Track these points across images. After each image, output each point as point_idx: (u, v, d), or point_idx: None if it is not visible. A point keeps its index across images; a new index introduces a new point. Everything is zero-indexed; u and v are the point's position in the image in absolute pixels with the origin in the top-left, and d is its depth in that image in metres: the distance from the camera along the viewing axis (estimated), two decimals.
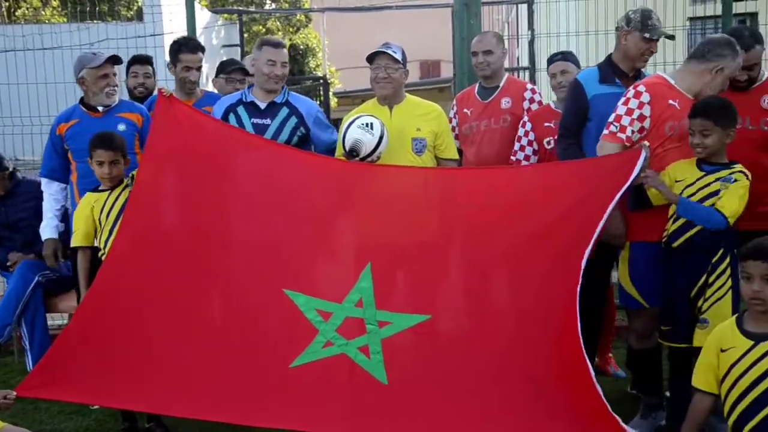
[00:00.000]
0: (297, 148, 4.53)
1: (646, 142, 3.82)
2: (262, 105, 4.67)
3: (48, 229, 4.81)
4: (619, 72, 4.42)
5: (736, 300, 3.72)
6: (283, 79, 4.67)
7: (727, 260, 3.73)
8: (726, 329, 3.24)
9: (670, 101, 3.99)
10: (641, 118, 3.99)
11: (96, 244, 4.35)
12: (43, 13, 16.63)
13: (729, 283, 3.74)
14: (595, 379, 3.29)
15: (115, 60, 4.73)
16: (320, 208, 4.10)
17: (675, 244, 3.86)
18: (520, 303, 3.81)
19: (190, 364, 3.86)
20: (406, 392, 3.69)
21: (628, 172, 3.63)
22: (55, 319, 5.59)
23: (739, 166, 3.85)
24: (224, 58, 6.34)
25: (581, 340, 3.35)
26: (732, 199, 3.76)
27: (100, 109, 4.69)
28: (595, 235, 3.52)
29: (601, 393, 3.25)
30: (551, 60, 5.04)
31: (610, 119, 4.05)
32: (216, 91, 5.53)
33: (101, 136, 4.36)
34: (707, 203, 3.79)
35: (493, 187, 4.05)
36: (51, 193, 4.79)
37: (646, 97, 3.99)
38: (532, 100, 5.05)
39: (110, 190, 4.33)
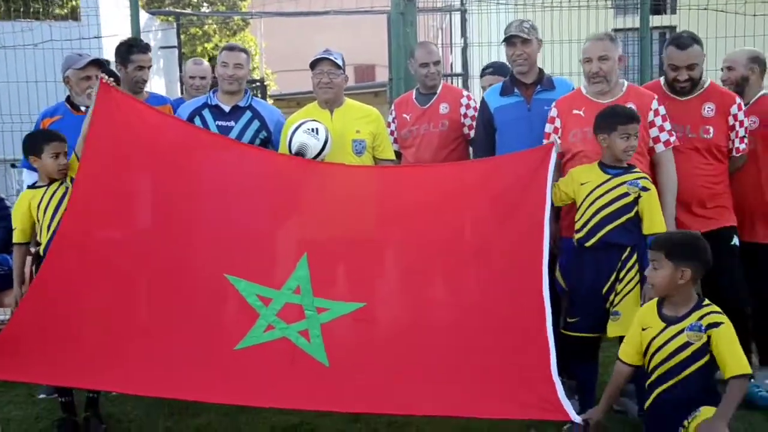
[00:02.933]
0: (241, 142, 4.73)
1: (558, 140, 4.26)
2: (226, 108, 4.92)
3: None
4: (517, 82, 4.78)
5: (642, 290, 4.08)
6: (237, 80, 4.92)
7: (635, 257, 4.07)
8: (648, 310, 3.68)
9: (575, 110, 4.40)
10: (555, 130, 4.48)
11: (38, 239, 4.42)
12: None
13: (637, 277, 4.08)
14: (552, 355, 3.63)
15: (99, 63, 4.81)
16: (262, 199, 4.28)
17: (588, 243, 4.18)
18: (455, 292, 4.09)
19: (137, 345, 3.95)
20: (347, 373, 3.87)
21: (546, 167, 4.02)
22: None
23: (638, 170, 4.20)
24: (162, 60, 6.48)
25: (545, 325, 3.72)
26: (657, 215, 4.13)
27: (83, 108, 4.79)
28: (546, 229, 3.90)
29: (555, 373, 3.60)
30: (483, 73, 5.32)
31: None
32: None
33: (51, 132, 4.49)
34: (617, 205, 4.12)
35: (427, 183, 4.34)
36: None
37: (554, 112, 4.53)
38: (468, 107, 5.36)
39: (47, 186, 4.41)
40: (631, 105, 4.34)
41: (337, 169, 4.48)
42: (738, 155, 4.70)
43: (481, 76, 5.35)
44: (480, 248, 4.10)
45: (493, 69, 5.32)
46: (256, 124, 4.96)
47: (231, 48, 5.10)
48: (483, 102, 4.96)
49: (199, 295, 4.10)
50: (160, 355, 3.92)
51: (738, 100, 4.68)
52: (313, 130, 4.54)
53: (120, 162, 4.26)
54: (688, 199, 4.54)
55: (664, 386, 3.55)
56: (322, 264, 4.11)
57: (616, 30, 9.64)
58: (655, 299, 3.70)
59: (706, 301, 3.60)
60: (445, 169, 4.71)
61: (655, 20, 9.46)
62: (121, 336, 3.98)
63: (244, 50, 5.13)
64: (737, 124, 4.65)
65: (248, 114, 4.98)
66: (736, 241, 4.65)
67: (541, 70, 4.92)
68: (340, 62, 4.84)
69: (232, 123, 4.91)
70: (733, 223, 4.68)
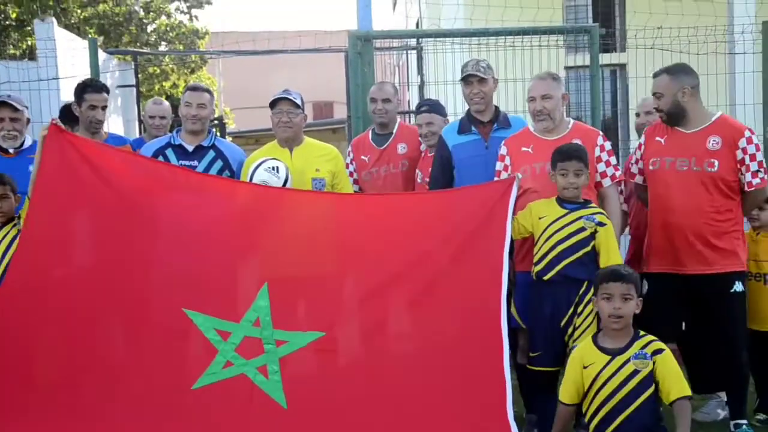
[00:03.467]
0: (198, 172, 4.73)
1: (519, 174, 4.34)
2: (190, 147, 4.96)
3: None
4: (475, 121, 4.89)
5: (599, 325, 4.13)
6: (200, 119, 4.96)
7: (592, 291, 4.12)
8: (586, 348, 3.75)
9: (523, 148, 4.54)
10: (505, 167, 4.60)
11: None
12: None
13: (594, 312, 4.14)
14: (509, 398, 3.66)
15: (6, 103, 4.81)
16: (221, 231, 4.24)
17: (546, 278, 4.27)
18: (413, 323, 4.10)
19: (91, 388, 3.91)
20: (304, 417, 3.85)
21: (507, 199, 4.09)
22: None
23: (594, 205, 4.32)
24: (120, 99, 6.51)
25: (501, 354, 3.73)
26: (614, 250, 4.22)
27: (11, 150, 4.77)
28: (505, 260, 3.95)
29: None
30: (418, 110, 5.35)
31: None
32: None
33: None
34: (574, 239, 4.21)
35: (387, 212, 4.36)
36: None
37: (504, 150, 4.64)
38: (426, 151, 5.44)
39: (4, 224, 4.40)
40: (576, 141, 4.47)
41: (297, 196, 4.51)
42: (750, 190, 4.50)
43: (416, 113, 5.44)
44: (438, 278, 4.11)
45: (428, 107, 5.39)
46: (219, 163, 5.00)
47: (194, 88, 5.15)
48: (441, 139, 5.03)
49: (158, 332, 4.05)
50: (119, 397, 3.88)
51: (747, 133, 4.49)
52: (273, 168, 4.60)
53: (71, 201, 4.23)
54: (691, 235, 4.46)
55: (614, 425, 3.60)
56: (283, 294, 4.08)
57: (567, 68, 9.94)
58: (590, 337, 3.82)
59: (642, 332, 3.75)
60: (406, 199, 4.79)
61: (606, 58, 9.78)
62: (74, 377, 3.93)
63: (208, 90, 5.18)
64: (747, 157, 4.45)
65: (212, 153, 5.02)
66: (738, 287, 4.48)
67: (497, 108, 5.04)
68: (299, 101, 4.92)
69: (196, 162, 4.94)
70: (739, 268, 4.49)
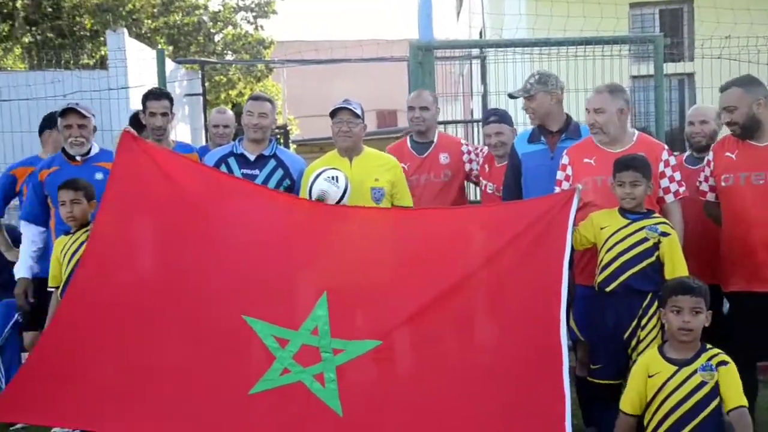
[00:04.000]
0: (263, 186, 4.80)
1: (580, 185, 4.24)
2: (252, 157, 5.04)
3: (22, 269, 5.00)
4: (544, 130, 4.87)
5: (663, 336, 4.08)
6: (261, 128, 5.02)
7: (656, 303, 4.08)
8: (651, 357, 3.70)
9: (585, 159, 4.48)
10: (567, 177, 4.55)
11: None
12: (4, 60, 16.74)
13: (659, 324, 4.09)
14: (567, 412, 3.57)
15: (73, 110, 4.94)
16: (282, 241, 4.31)
17: (608, 289, 4.22)
18: (472, 336, 4.07)
19: (152, 389, 3.98)
20: (359, 424, 3.86)
21: (568, 211, 4.01)
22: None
23: (658, 215, 4.25)
24: (187, 107, 6.68)
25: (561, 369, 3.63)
26: (680, 261, 4.14)
27: (78, 157, 4.93)
28: (565, 272, 3.85)
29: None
30: (486, 121, 5.36)
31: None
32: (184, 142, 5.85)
33: (66, 179, 4.62)
34: (636, 250, 4.16)
35: (446, 225, 4.35)
36: (28, 236, 5.00)
37: (566, 159, 4.59)
38: (470, 159, 5.48)
39: (74, 232, 4.56)
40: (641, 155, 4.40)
41: (356, 212, 4.53)
42: None
43: (484, 124, 5.43)
44: (497, 290, 4.09)
45: (497, 117, 5.39)
46: (279, 172, 5.07)
47: (256, 98, 5.23)
48: (512, 147, 5.10)
49: (217, 337, 4.10)
50: (176, 399, 3.95)
51: None
52: (333, 178, 4.65)
53: (140, 206, 4.32)
54: (765, 250, 4.38)
55: None
56: (341, 303, 4.10)
57: (633, 77, 9.78)
58: (656, 347, 3.76)
59: (708, 345, 3.70)
60: (465, 212, 4.78)
61: (674, 68, 9.61)
62: (137, 380, 4.01)
63: (270, 100, 5.25)
64: None
65: (272, 162, 5.08)
66: None
67: (568, 118, 5.01)
68: (359, 111, 4.96)
69: (257, 171, 5.02)
70: None
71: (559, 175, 4.67)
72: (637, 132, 4.69)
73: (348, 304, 4.14)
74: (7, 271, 5.32)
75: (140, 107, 5.54)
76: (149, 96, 5.50)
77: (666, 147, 4.60)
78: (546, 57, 6.80)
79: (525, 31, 8.93)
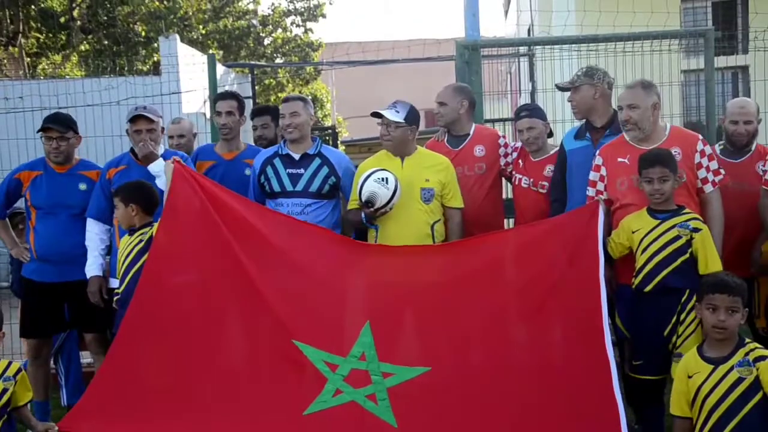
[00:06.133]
0: (308, 223, 4.85)
1: (601, 198, 4.30)
2: (296, 156, 5.12)
3: (93, 267, 5.08)
4: (590, 127, 4.84)
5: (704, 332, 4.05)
6: (296, 127, 5.08)
7: (694, 299, 4.04)
8: (690, 358, 3.68)
9: (619, 159, 4.42)
10: (601, 178, 4.50)
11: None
12: (62, 68, 17.21)
13: (698, 319, 4.06)
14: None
15: (141, 115, 5.07)
16: (327, 273, 4.47)
17: (647, 289, 4.21)
18: (518, 354, 4.15)
19: (211, 410, 4.13)
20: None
21: (595, 224, 4.10)
22: (83, 357, 5.87)
23: (688, 211, 4.19)
24: None
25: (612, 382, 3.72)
26: (713, 255, 4.13)
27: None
28: (602, 285, 3.92)
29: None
30: (518, 115, 5.29)
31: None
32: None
33: (122, 185, 4.83)
34: (670, 249, 4.14)
35: (482, 251, 4.45)
36: (96, 233, 5.10)
37: (599, 160, 4.52)
38: (507, 152, 5.42)
39: (129, 233, 4.70)
40: (676, 149, 4.36)
41: (396, 248, 4.61)
42: None
43: (516, 120, 5.39)
44: (538, 310, 4.16)
45: (528, 111, 5.33)
46: (325, 170, 5.13)
47: (285, 100, 5.30)
48: (561, 143, 5.10)
49: (269, 359, 4.25)
50: (232, 419, 4.06)
51: None
52: (383, 179, 4.68)
53: (197, 235, 4.49)
54: None
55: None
56: (385, 331, 4.22)
57: (685, 71, 9.63)
58: (694, 347, 3.74)
59: (747, 339, 3.66)
60: (498, 237, 4.80)
61: (727, 61, 9.44)
62: (190, 400, 4.15)
63: (300, 98, 5.30)
64: None
65: (317, 161, 5.15)
66: None
67: (615, 114, 4.93)
68: (401, 116, 4.90)
69: (302, 170, 5.10)
70: None
71: (593, 176, 4.61)
72: (668, 125, 4.64)
73: (391, 332, 4.27)
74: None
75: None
76: (219, 96, 5.76)
77: (701, 137, 4.54)
78: (594, 53, 6.75)
79: (574, 27, 8.86)
